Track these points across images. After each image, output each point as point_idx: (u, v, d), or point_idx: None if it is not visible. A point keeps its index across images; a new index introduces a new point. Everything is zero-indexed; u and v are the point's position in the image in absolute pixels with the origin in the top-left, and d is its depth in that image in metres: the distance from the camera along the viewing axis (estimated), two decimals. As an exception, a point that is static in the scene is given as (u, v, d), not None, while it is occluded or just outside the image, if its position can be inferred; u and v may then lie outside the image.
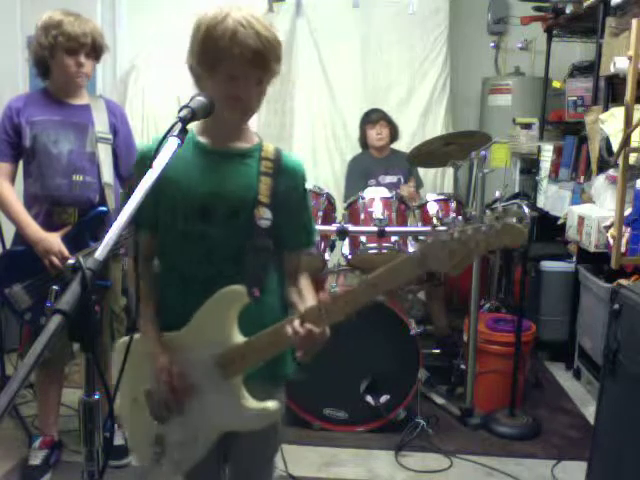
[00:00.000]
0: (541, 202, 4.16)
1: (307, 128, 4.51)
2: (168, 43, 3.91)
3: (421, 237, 3.14)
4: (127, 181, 2.52)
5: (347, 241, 3.11)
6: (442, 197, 3.33)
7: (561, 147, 3.99)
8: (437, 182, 4.53)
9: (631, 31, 2.62)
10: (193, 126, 1.45)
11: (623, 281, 2.37)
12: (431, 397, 3.19)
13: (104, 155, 2.42)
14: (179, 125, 1.22)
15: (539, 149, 4.24)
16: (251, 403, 1.40)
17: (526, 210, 2.94)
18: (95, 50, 2.37)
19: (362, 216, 3.10)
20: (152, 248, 1.46)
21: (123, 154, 2.49)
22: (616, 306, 2.03)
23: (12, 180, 2.40)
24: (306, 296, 1.46)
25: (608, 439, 2.10)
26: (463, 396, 3.08)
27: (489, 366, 3.07)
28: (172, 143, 1.19)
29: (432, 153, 3.42)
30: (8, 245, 2.59)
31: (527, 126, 4.40)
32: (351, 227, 2.98)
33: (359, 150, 4.08)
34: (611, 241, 2.91)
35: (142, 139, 3.86)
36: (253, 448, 1.54)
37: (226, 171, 1.43)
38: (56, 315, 0.90)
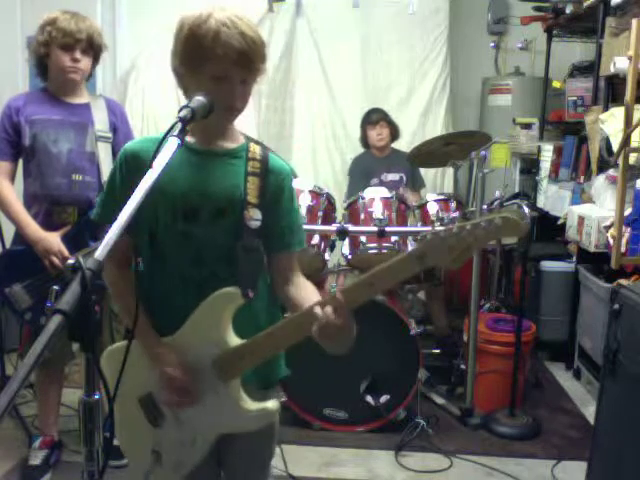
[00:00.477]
0: (541, 202, 4.16)
1: (307, 128, 4.51)
2: (168, 43, 3.90)
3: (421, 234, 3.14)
4: None
5: (347, 241, 3.11)
6: (442, 197, 3.33)
7: (561, 147, 3.99)
8: (437, 182, 4.54)
9: (631, 31, 2.62)
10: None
11: (623, 281, 2.37)
12: (431, 397, 3.19)
13: (104, 154, 2.42)
14: (179, 125, 1.21)
15: (539, 149, 4.24)
16: (250, 404, 1.39)
17: (526, 210, 2.95)
18: (92, 47, 2.37)
19: (362, 216, 3.10)
20: (127, 251, 1.37)
21: None
22: (616, 306, 2.03)
23: (12, 179, 2.40)
24: (308, 296, 1.43)
25: (608, 439, 2.10)
26: (463, 396, 3.07)
27: (489, 366, 3.06)
28: (172, 143, 1.19)
29: (432, 153, 3.42)
30: (8, 245, 2.59)
31: (527, 126, 4.40)
32: (351, 227, 2.98)
33: (359, 150, 4.09)
34: (611, 241, 2.91)
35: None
36: (249, 452, 1.54)
37: (212, 171, 1.42)
38: (56, 315, 0.90)
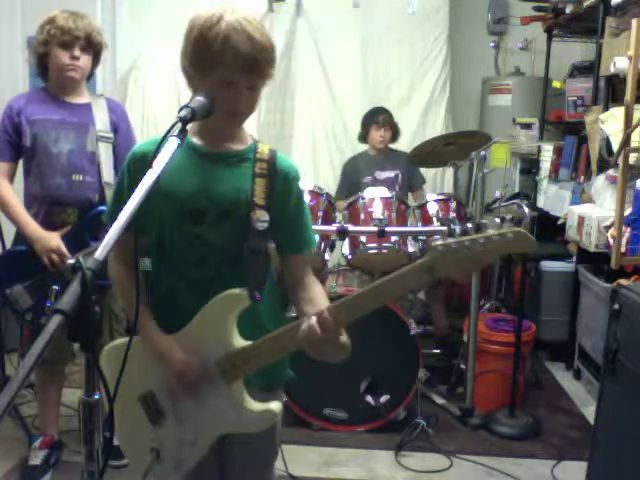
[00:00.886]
0: (541, 202, 4.16)
1: (307, 128, 4.51)
2: (168, 43, 3.90)
3: (422, 237, 3.14)
4: None
5: (347, 241, 3.10)
6: (442, 197, 3.32)
7: (561, 147, 3.99)
8: (437, 182, 4.53)
9: (631, 31, 2.62)
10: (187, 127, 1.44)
11: (623, 281, 2.38)
12: (431, 397, 3.19)
13: (105, 154, 2.42)
14: (179, 125, 1.21)
15: (539, 149, 4.24)
16: (253, 405, 1.39)
17: (526, 210, 2.95)
18: (91, 46, 2.37)
19: (362, 216, 3.10)
20: (130, 250, 1.35)
21: (122, 153, 2.49)
22: (616, 306, 2.03)
23: (11, 179, 2.41)
24: (315, 299, 1.43)
25: (608, 439, 2.10)
26: (463, 396, 3.07)
27: (489, 366, 3.06)
28: (172, 143, 1.19)
29: (432, 153, 3.42)
30: (8, 245, 2.59)
31: (527, 126, 4.40)
32: (351, 227, 2.97)
33: (359, 149, 4.08)
34: (611, 241, 2.91)
35: (142, 139, 3.86)
36: (252, 453, 1.53)
37: (219, 173, 1.42)
38: (56, 315, 0.90)
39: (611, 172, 3.19)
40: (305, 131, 4.51)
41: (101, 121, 2.43)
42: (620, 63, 3.02)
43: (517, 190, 4.41)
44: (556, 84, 4.29)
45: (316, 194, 3.14)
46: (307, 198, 3.04)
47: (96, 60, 2.45)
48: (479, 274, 2.96)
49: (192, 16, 1.36)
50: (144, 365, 1.41)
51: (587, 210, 3.31)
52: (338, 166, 4.45)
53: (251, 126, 1.51)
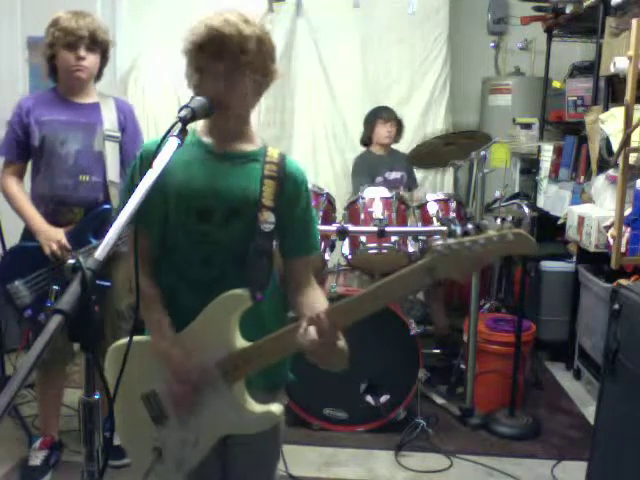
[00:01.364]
0: (541, 202, 4.16)
1: (307, 127, 4.51)
2: (168, 43, 3.90)
3: (422, 237, 3.14)
4: None
5: (347, 241, 3.10)
6: (442, 197, 3.32)
7: (561, 147, 3.99)
8: (437, 182, 4.53)
9: (631, 31, 2.62)
10: (197, 126, 1.44)
11: (623, 281, 2.38)
12: (431, 397, 3.19)
13: (111, 154, 2.42)
14: (179, 125, 1.22)
15: (539, 149, 4.24)
16: (254, 406, 1.39)
17: (526, 210, 2.95)
18: (96, 44, 2.36)
19: (362, 216, 3.10)
20: (148, 248, 1.42)
21: (129, 151, 2.48)
22: (616, 306, 2.03)
23: (21, 178, 2.44)
24: (315, 303, 1.43)
25: (608, 439, 2.10)
26: (463, 396, 3.07)
27: (489, 366, 3.06)
28: (172, 143, 1.19)
29: (432, 153, 3.42)
30: (8, 244, 2.59)
31: (527, 126, 4.40)
32: (351, 227, 2.97)
33: (359, 149, 4.08)
34: (611, 241, 2.91)
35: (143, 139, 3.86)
36: (254, 454, 1.53)
37: (228, 172, 1.43)
38: (56, 315, 0.90)
39: (611, 172, 3.19)
40: (305, 131, 4.51)
41: (109, 120, 2.43)
42: (620, 63, 3.02)
43: (517, 190, 4.41)
44: (556, 84, 4.29)
45: (316, 194, 3.14)
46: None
47: (104, 58, 2.44)
48: (479, 274, 2.96)
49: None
50: (148, 364, 1.41)
51: (587, 210, 3.31)
52: (338, 166, 4.46)
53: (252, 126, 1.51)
